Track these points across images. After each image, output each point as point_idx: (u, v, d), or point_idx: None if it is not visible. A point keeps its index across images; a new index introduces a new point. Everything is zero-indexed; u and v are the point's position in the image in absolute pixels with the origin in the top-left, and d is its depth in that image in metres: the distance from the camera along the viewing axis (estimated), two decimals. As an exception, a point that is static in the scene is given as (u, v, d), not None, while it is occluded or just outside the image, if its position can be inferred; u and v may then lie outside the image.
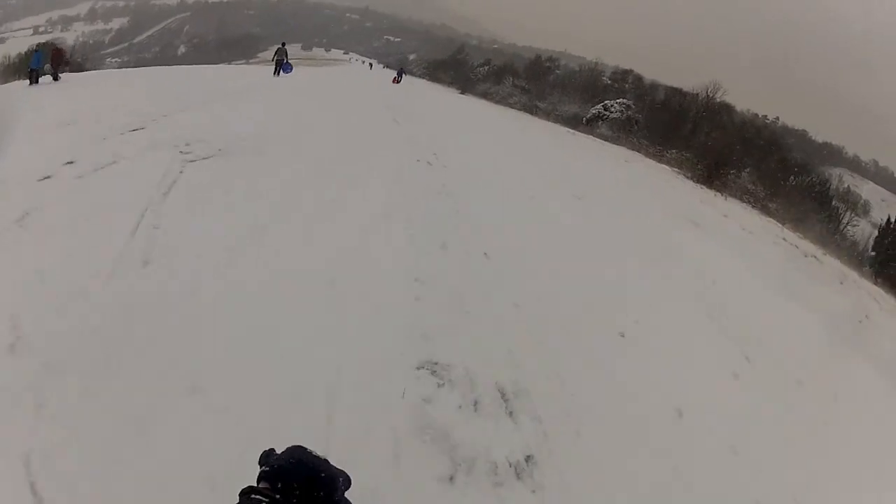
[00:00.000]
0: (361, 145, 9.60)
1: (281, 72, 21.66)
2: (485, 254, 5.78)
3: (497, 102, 41.23)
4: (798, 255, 18.01)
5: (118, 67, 53.17)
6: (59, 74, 17.38)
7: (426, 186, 7.73)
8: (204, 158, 7.12)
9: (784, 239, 20.04)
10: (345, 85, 26.15)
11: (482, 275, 5.32)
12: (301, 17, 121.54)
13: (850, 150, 76.65)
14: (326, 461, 1.12)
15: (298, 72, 27.43)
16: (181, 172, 6.43)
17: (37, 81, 16.14)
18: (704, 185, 24.84)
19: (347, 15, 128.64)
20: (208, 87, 15.16)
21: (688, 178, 25.92)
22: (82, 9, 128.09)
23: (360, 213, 5.97)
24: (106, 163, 6.26)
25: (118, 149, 6.76)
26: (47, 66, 17.11)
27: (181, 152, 7.06)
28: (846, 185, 51.51)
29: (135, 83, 16.33)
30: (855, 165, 72.52)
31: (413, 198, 6.99)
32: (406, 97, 24.10)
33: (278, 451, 1.12)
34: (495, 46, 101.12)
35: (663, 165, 29.25)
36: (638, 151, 32.48)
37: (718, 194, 24.14)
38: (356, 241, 5.19)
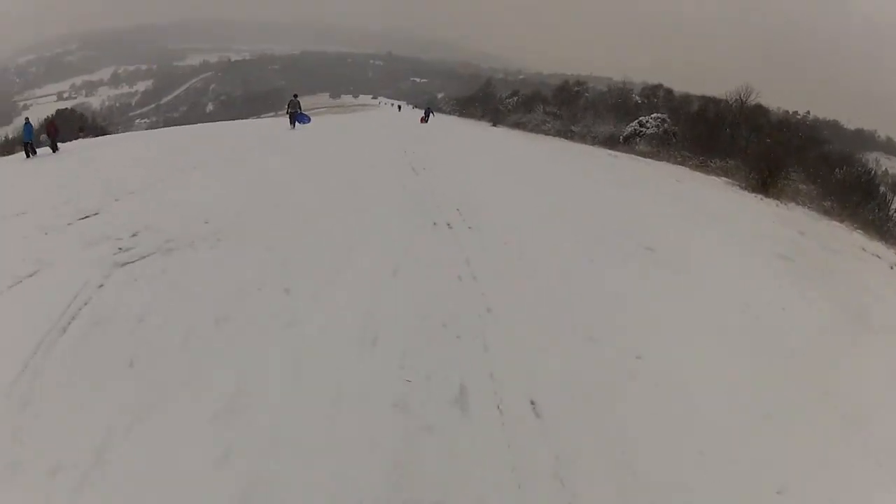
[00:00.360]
0: (363, 211, 7.31)
1: (297, 123, 20.14)
2: (532, 403, 3.25)
3: (531, 131, 39.14)
4: (884, 268, 15.29)
5: (147, 128, 55.20)
6: (58, 144, 16.72)
7: (441, 270, 5.28)
8: (141, 258, 5.39)
9: (864, 249, 17.26)
10: (366, 131, 24.09)
11: (534, 470, 2.74)
12: (325, 68, 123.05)
13: (882, 133, 76.36)
14: None
15: (323, 121, 26.17)
16: (100, 286, 4.71)
17: (34, 153, 15.73)
18: (761, 193, 22.35)
19: (371, 62, 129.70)
20: (209, 148, 13.78)
21: (742, 188, 23.43)
22: (105, 74, 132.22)
23: (328, 344, 3.66)
24: (25, 274, 4.99)
25: (49, 250, 5.52)
26: (43, 137, 16.50)
27: (119, 249, 5.53)
28: (884, 168, 50.55)
29: (136, 148, 15.18)
30: (889, 147, 70.97)
31: (417, 297, 4.59)
32: (432, 137, 21.88)
33: None
34: (521, 77, 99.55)
35: (713, 177, 26.55)
36: (682, 165, 29.96)
37: (781, 203, 21.58)
38: (309, 416, 2.90)
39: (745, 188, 23.29)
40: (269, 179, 9.31)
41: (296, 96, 20.83)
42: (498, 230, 7.13)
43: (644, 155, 32.84)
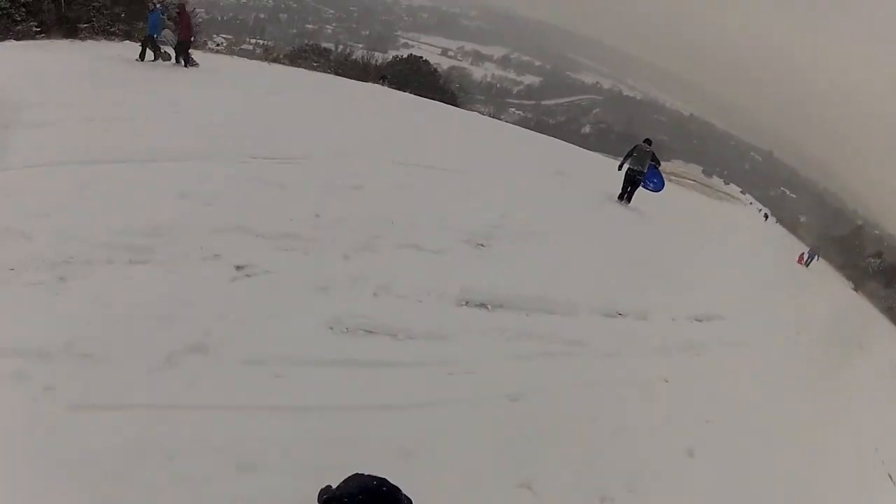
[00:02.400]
0: None
1: (630, 190, 11.64)
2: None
3: (883, 311, 32.50)
4: None
5: (515, 122, 46.60)
6: (191, 59, 11.07)
7: None
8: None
9: None
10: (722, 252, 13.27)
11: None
12: (706, 141, 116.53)
13: None
14: (384, 479, 1.10)
15: (684, 200, 19.36)
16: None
17: (159, 55, 10.87)
18: None
19: (751, 154, 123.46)
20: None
21: None
22: (497, 52, 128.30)
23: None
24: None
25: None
26: (168, 33, 11.07)
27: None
28: None
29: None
30: None
31: None
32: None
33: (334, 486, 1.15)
34: (875, 232, 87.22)
35: None
36: None
37: None
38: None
39: None
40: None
41: (648, 143, 11.76)
42: None
43: None
